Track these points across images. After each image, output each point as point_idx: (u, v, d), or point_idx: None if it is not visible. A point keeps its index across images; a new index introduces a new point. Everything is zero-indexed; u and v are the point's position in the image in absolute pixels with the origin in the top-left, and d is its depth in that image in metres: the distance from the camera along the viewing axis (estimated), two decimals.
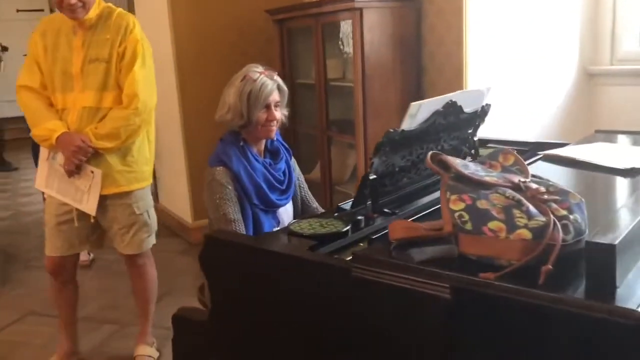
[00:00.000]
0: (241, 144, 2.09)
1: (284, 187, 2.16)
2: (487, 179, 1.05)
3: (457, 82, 3.14)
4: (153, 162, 2.64)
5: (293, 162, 2.28)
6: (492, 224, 0.97)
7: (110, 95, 2.37)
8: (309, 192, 2.33)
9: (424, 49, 3.35)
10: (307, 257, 1.15)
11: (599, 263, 0.88)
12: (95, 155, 2.36)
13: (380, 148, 1.51)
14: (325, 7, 3.35)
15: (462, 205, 1.01)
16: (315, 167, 3.92)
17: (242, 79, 2.06)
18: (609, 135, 2.17)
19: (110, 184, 2.42)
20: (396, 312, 1.02)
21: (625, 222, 1.02)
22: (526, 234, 0.94)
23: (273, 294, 1.23)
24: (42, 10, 9.99)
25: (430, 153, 1.20)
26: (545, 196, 0.99)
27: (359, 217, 1.54)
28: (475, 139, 2.02)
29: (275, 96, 2.07)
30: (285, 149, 2.24)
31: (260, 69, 2.09)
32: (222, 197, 2.03)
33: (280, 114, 2.11)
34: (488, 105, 1.95)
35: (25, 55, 2.50)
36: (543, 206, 0.97)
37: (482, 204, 0.99)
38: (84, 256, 3.83)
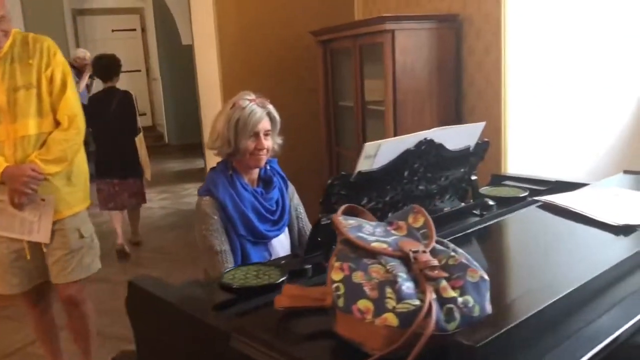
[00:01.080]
0: (230, 172, 2.03)
1: (275, 217, 2.07)
2: (375, 245, 0.90)
3: (496, 107, 2.92)
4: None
5: (292, 191, 2.19)
6: (362, 303, 0.82)
7: (47, 120, 2.34)
8: (309, 226, 2.23)
9: (464, 73, 3.15)
10: (196, 315, 1.06)
11: None
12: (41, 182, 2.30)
13: (329, 191, 1.38)
14: (361, 29, 3.24)
15: (340, 276, 0.87)
16: None
17: (231, 107, 2.01)
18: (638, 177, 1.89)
19: (63, 207, 2.39)
20: None
21: (527, 309, 0.83)
22: (392, 319, 0.78)
23: (178, 348, 1.15)
24: (134, 29, 10.65)
25: (344, 206, 1.07)
26: (436, 271, 0.83)
27: (307, 266, 1.42)
28: (473, 177, 1.83)
29: (264, 124, 2.00)
30: (281, 177, 2.16)
31: (251, 96, 2.03)
32: (208, 228, 1.97)
33: (270, 142, 2.04)
34: (485, 142, 1.76)
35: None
36: (424, 284, 0.81)
37: (357, 276, 0.85)
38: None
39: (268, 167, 2.11)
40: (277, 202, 2.09)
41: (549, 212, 1.65)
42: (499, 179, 2.17)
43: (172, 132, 10.29)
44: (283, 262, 1.44)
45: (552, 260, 1.33)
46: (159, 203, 6.62)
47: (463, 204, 1.84)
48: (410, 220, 1.00)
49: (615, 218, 1.42)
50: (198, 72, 4.90)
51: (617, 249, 1.32)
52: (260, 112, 1.99)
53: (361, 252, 0.89)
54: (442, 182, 1.72)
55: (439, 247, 0.92)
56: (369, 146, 1.40)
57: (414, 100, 3.08)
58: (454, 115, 3.18)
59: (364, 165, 1.43)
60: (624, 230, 1.37)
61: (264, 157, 2.03)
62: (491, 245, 1.64)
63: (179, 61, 9.09)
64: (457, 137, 1.67)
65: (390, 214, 1.59)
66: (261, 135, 1.99)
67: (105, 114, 4.46)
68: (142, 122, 10.76)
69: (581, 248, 1.42)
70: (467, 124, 1.72)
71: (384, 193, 1.55)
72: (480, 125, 1.72)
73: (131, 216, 4.84)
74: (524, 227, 1.67)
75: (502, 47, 2.80)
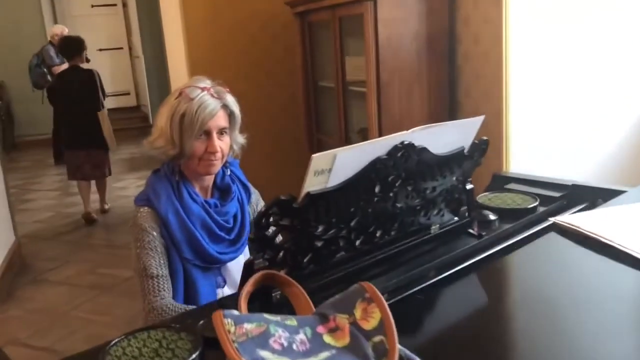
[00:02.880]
0: (177, 178, 1.62)
1: (232, 236, 1.65)
2: None
3: (496, 89, 2.49)
4: None
5: (256, 199, 1.77)
6: None
7: None
8: None
9: (459, 48, 2.71)
10: None
11: None
12: None
13: (260, 224, 0.98)
14: None
15: None
16: None
17: (177, 96, 1.58)
18: None
19: None
20: None
21: None
22: None
23: None
24: (115, 5, 10.10)
25: (254, 277, 0.66)
26: None
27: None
28: (469, 186, 1.41)
29: (218, 120, 1.56)
30: (242, 184, 1.74)
31: (204, 83, 1.58)
32: (144, 245, 1.57)
33: (227, 143, 1.60)
34: (484, 142, 1.35)
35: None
36: None
37: None
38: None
39: (228, 173, 1.69)
40: (234, 217, 1.67)
41: (572, 241, 1.24)
42: (501, 180, 1.76)
43: (156, 113, 9.79)
44: (202, 322, 1.03)
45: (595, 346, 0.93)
46: (138, 182, 6.27)
47: (456, 218, 1.44)
48: (358, 313, 0.60)
49: None
50: (168, 53, 4.46)
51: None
52: (214, 105, 1.54)
53: None
54: (428, 194, 1.31)
55: None
56: (318, 159, 0.99)
57: (400, 81, 2.66)
58: (447, 98, 2.76)
59: (313, 183, 1.02)
60: None
61: (217, 163, 1.60)
62: (493, 299, 1.23)
63: (162, 38, 8.56)
64: (446, 136, 1.26)
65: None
66: (214, 134, 1.55)
67: (70, 91, 4.76)
68: (126, 102, 10.31)
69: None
70: (459, 121, 1.31)
71: (347, 217, 1.15)
72: (478, 120, 1.31)
73: (98, 186, 5.14)
74: (539, 271, 1.26)
75: (504, 17, 2.37)
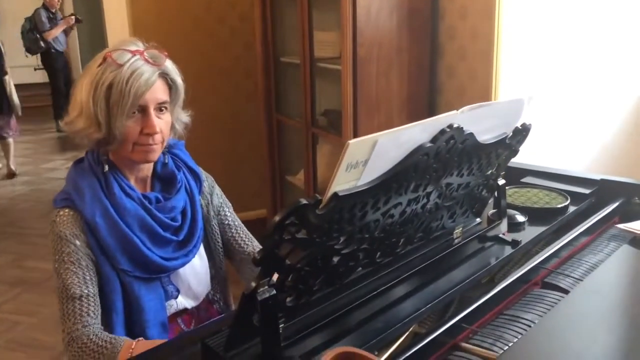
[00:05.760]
0: (105, 169, 1.26)
1: (180, 237, 1.31)
2: None
3: (484, 67, 2.26)
4: None
5: (209, 187, 1.43)
6: None
7: None
8: (244, 230, 1.47)
9: (442, 21, 2.46)
10: None
11: None
12: None
13: (273, 239, 0.67)
14: None
15: None
16: (300, 171, 3.10)
17: (100, 62, 1.20)
18: None
19: None
20: None
21: None
22: None
23: None
24: None
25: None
26: None
27: None
28: (501, 182, 1.16)
29: (156, 92, 1.20)
30: (189, 170, 1.39)
31: (136, 45, 1.22)
32: (62, 258, 1.20)
33: (167, 122, 1.25)
34: (526, 127, 1.09)
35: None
36: None
37: None
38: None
39: (167, 159, 1.35)
40: (183, 213, 1.33)
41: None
42: (514, 173, 1.51)
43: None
44: None
45: None
46: (68, 164, 5.75)
47: (478, 219, 1.18)
48: None
49: None
50: (107, 22, 4.00)
51: None
52: (150, 73, 1.18)
53: None
54: (460, 191, 1.04)
55: None
56: (355, 147, 0.69)
57: (378, 57, 2.38)
58: (427, 79, 2.50)
59: (343, 180, 0.72)
60: None
61: (157, 148, 1.24)
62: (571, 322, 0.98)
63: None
64: (490, 119, 0.99)
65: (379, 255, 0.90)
66: (151, 110, 1.20)
67: None
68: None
69: None
70: (505, 101, 1.04)
71: (373, 224, 0.85)
72: (521, 101, 1.04)
73: (3, 148, 5.28)
74: (612, 285, 1.01)
75: None
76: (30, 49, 6.54)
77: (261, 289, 0.72)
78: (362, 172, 0.74)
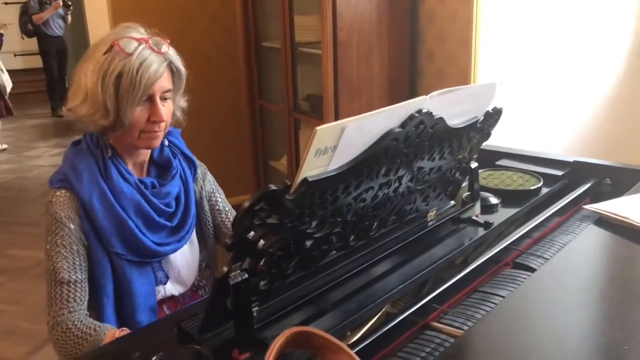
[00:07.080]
0: (108, 153, 1.27)
1: (174, 222, 1.33)
2: None
3: (463, 51, 2.27)
4: None
5: (201, 174, 1.44)
6: None
7: None
8: (234, 215, 1.48)
9: (421, 6, 2.46)
10: None
11: None
12: None
13: (242, 225, 0.69)
14: None
15: None
16: (284, 156, 3.10)
17: (107, 50, 1.21)
18: None
19: None
20: None
21: None
22: None
23: None
24: None
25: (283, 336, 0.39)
26: None
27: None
28: (474, 165, 1.18)
29: (164, 82, 1.22)
30: (184, 157, 1.41)
31: (139, 33, 1.23)
32: (55, 241, 1.22)
33: (169, 109, 1.26)
34: (497, 110, 1.11)
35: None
36: None
37: None
38: None
39: (165, 144, 1.36)
40: (177, 199, 1.35)
41: (614, 234, 1.03)
42: (489, 155, 1.54)
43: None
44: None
45: None
46: (52, 151, 5.70)
47: (452, 202, 1.21)
48: None
49: None
50: (86, 7, 3.95)
51: None
52: (158, 63, 1.20)
53: None
54: (433, 175, 1.06)
55: None
56: (323, 133, 0.70)
57: (359, 41, 2.38)
58: (408, 63, 2.51)
59: (313, 166, 0.74)
60: None
61: (161, 135, 1.26)
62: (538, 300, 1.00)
63: None
64: (461, 104, 1.00)
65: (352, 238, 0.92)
66: (157, 99, 1.21)
67: None
68: (37, 62, 9.38)
69: None
70: (475, 85, 1.06)
71: (345, 207, 0.87)
72: (493, 85, 1.06)
73: None
74: (580, 264, 1.04)
75: None
76: (25, 32, 6.75)
77: (233, 274, 0.74)
78: (331, 157, 0.76)
